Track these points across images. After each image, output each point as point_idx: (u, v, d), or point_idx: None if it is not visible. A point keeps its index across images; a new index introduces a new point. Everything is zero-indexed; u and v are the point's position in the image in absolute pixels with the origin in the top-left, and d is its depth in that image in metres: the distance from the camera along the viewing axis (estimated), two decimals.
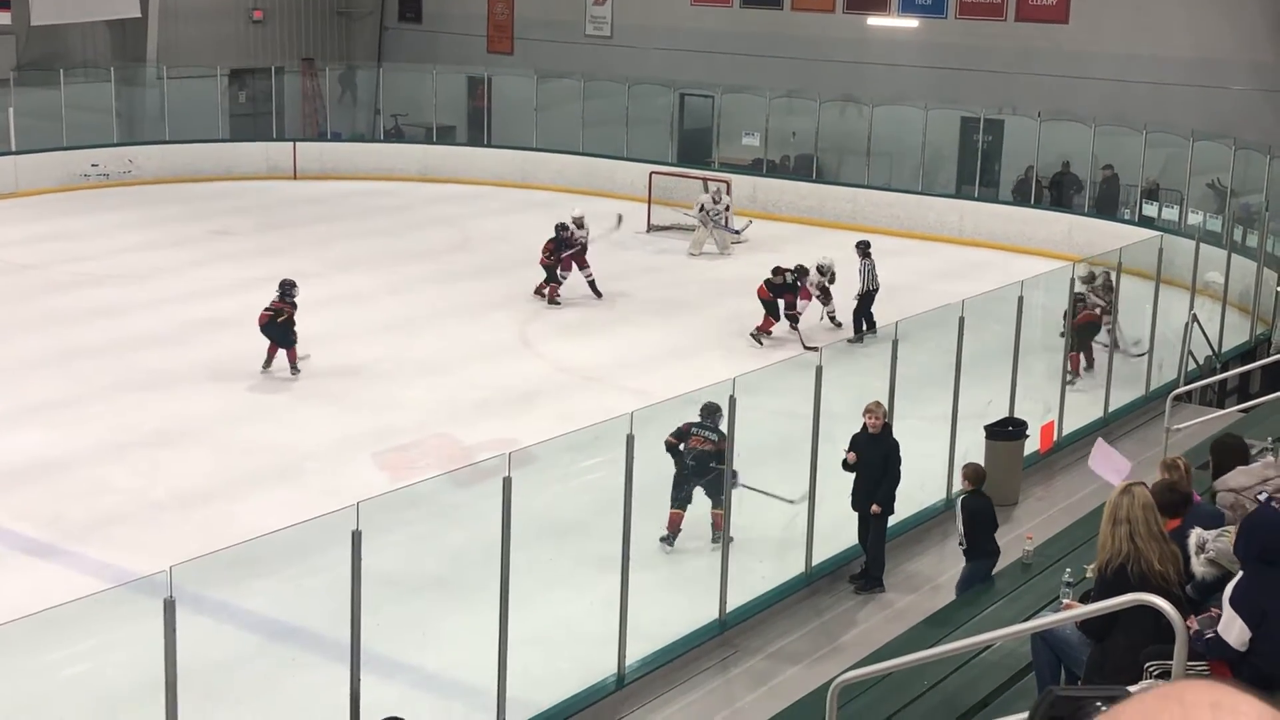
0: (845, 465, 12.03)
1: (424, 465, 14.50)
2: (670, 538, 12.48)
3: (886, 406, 12.23)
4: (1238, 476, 8.39)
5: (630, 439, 10.18)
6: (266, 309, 17.92)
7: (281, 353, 17.81)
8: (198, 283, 22.23)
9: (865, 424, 12.03)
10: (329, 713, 8.97)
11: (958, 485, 13.66)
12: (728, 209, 26.03)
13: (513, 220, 27.97)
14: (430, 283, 22.90)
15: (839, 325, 20.20)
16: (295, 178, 31.77)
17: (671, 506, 12.49)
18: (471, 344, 19.50)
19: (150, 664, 7.89)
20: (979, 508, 11.22)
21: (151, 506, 13.75)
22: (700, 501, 12.49)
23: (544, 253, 21.99)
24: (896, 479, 12.02)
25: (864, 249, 20.47)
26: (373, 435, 15.76)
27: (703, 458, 12.34)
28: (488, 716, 9.53)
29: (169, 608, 7.57)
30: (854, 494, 12.07)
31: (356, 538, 8.45)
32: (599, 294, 21.97)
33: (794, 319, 19.29)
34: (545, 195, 30.45)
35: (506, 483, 9.27)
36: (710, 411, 12.32)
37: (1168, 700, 1.74)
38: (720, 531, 11.89)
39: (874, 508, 11.90)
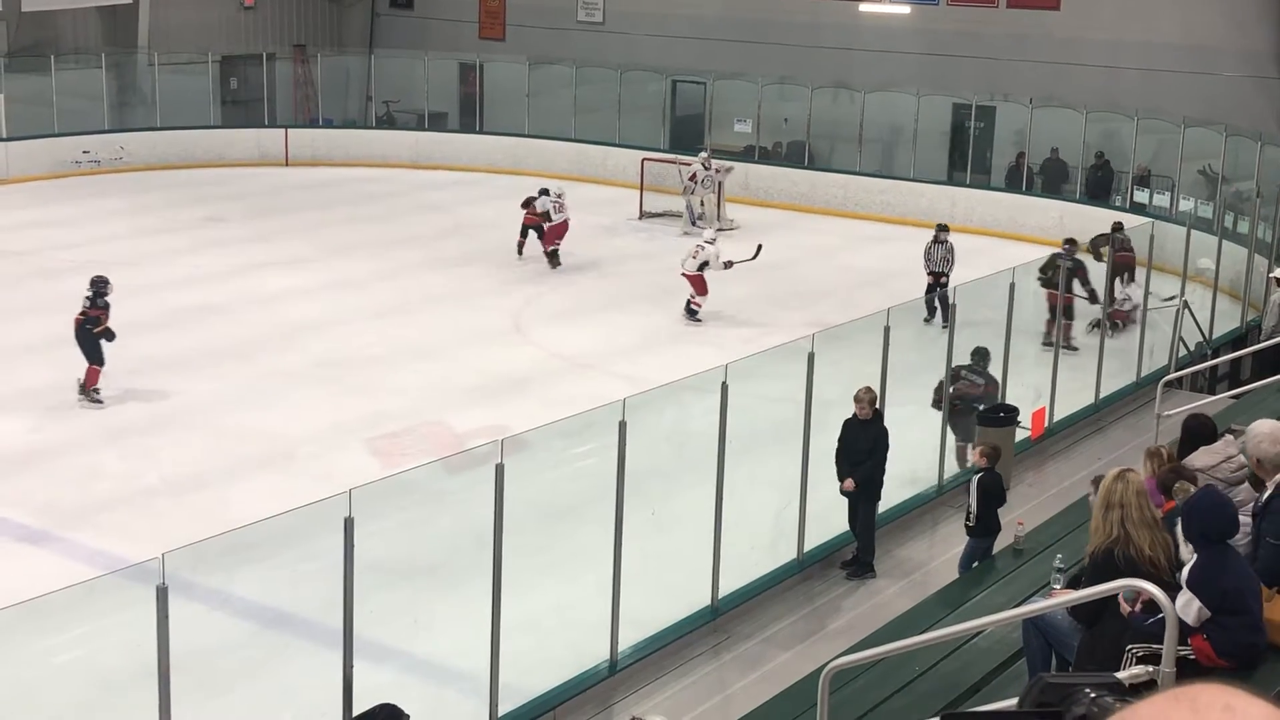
0: (842, 492, 12.04)
1: (416, 452, 14.50)
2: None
3: (877, 392, 12.24)
4: (1202, 456, 8.46)
5: (623, 425, 10.18)
6: (79, 314, 16.03)
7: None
8: (189, 269, 22.20)
9: (855, 411, 12.04)
10: (321, 699, 8.97)
11: (950, 471, 13.73)
12: (717, 171, 26.10)
13: (505, 207, 27.91)
14: (422, 269, 22.88)
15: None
16: (287, 164, 31.71)
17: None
18: (464, 330, 19.49)
19: (142, 650, 7.90)
20: (992, 484, 11.46)
21: (143, 493, 13.74)
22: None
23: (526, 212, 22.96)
24: (880, 464, 12.04)
25: (939, 233, 20.41)
26: (365, 421, 15.76)
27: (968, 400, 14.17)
28: (480, 702, 9.54)
29: (161, 595, 7.57)
30: (840, 477, 12.08)
31: (349, 524, 8.45)
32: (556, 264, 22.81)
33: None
34: (537, 181, 30.39)
35: (499, 469, 9.27)
36: (981, 356, 14.48)
37: (1180, 702, 1.73)
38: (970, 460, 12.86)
39: (848, 482, 11.91)
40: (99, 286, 16.39)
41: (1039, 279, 18.06)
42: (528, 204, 23.40)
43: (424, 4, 35.59)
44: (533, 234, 23.27)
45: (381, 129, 33.65)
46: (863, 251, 25.06)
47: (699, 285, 20.29)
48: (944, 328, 15.29)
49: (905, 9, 29.33)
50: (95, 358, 16.01)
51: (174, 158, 30.73)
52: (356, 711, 8.72)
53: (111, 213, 26.19)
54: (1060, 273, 17.43)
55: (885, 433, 12.06)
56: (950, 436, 14.03)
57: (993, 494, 11.48)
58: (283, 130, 32.23)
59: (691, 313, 20.29)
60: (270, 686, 10.27)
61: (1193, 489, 7.64)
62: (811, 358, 11.99)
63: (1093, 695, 2.67)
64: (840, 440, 12.11)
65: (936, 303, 18.92)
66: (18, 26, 30.38)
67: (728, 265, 20.40)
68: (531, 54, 32.52)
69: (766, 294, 22.18)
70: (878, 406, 12.08)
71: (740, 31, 30.83)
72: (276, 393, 16.75)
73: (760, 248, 20.22)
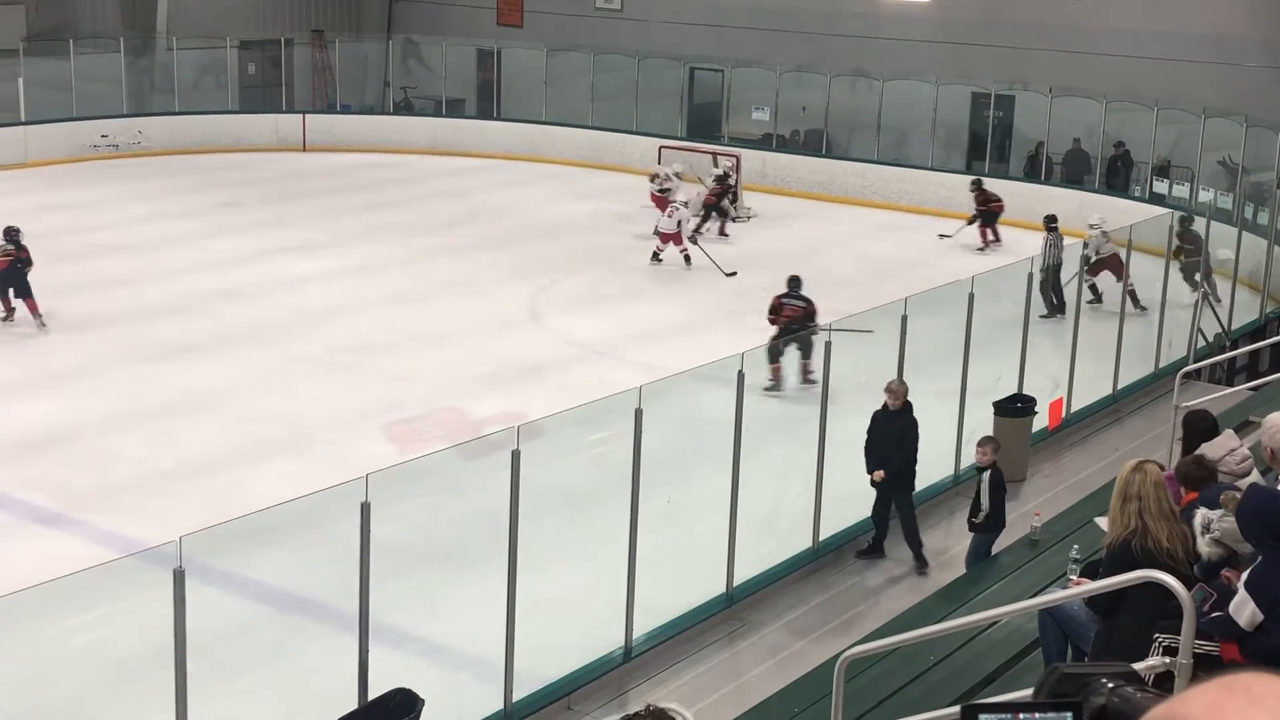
0: (873, 484, 12.04)
1: (432, 438, 14.53)
2: (774, 385, 15.85)
3: (891, 381, 12.23)
4: (1206, 451, 8.45)
5: (639, 413, 10.19)
6: (3, 256, 18.04)
7: (22, 304, 18.03)
8: (207, 254, 22.24)
9: (885, 401, 12.03)
10: (337, 683, 9.00)
11: (967, 461, 13.70)
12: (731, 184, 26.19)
13: (522, 193, 27.96)
14: (439, 255, 22.90)
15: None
16: (304, 150, 31.75)
17: (771, 362, 15.78)
18: (480, 317, 19.50)
19: (159, 633, 7.93)
20: (1000, 480, 11.51)
21: (160, 476, 13.78)
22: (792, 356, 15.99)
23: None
24: (910, 455, 12.04)
25: (1049, 223, 20.29)
26: (381, 407, 15.78)
27: (796, 323, 15.98)
28: (495, 688, 9.56)
29: (178, 578, 7.60)
30: (869, 469, 12.07)
31: (365, 509, 8.48)
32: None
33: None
34: (554, 169, 30.45)
35: (515, 456, 9.28)
36: (794, 283, 16.51)
37: (1233, 691, 1.69)
38: (810, 375, 15.36)
39: (878, 473, 11.90)
40: (13, 234, 18.37)
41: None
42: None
43: None
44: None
45: (399, 115, 33.65)
46: (880, 240, 25.00)
47: (676, 239, 22.15)
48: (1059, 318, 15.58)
49: None
50: (24, 291, 18.05)
51: (192, 142, 30.78)
52: (372, 696, 8.76)
53: (130, 197, 26.26)
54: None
55: (915, 423, 12.06)
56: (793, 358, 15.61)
57: (1001, 488, 11.52)
58: (301, 116, 32.27)
59: (655, 256, 22.27)
60: (286, 670, 10.30)
61: (1237, 496, 7.57)
62: (828, 346, 11.98)
63: (1110, 685, 2.67)
64: (869, 432, 12.11)
65: (1052, 296, 18.94)
66: (37, 10, 30.45)
67: (692, 239, 22.35)
68: (549, 41, 32.49)
69: (783, 283, 22.13)
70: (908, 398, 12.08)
71: (759, 19, 30.75)
72: (293, 377, 16.78)
73: (735, 274, 19.47)
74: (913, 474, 12.17)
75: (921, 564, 12.04)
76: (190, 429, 15.04)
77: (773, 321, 16.58)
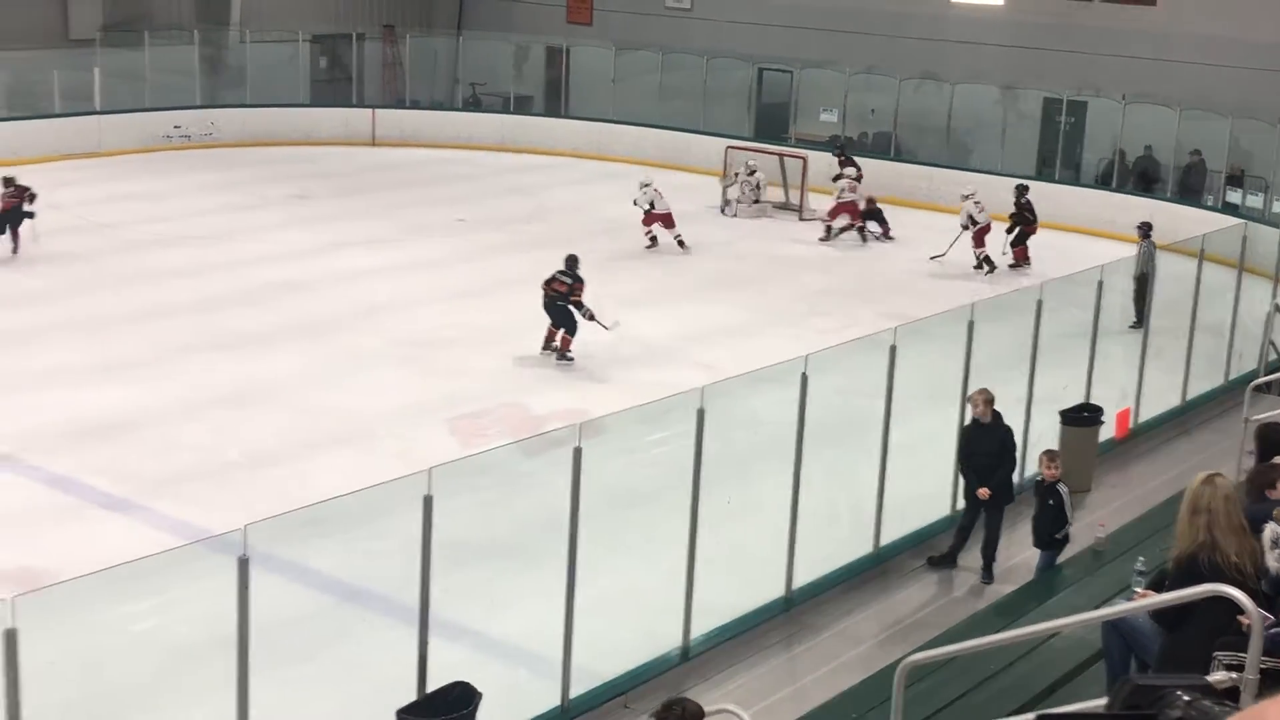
0: (977, 499, 11.90)
1: (494, 433, 14.57)
2: (547, 347, 17.34)
3: (973, 392, 12.08)
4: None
5: (700, 413, 10.15)
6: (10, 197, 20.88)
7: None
8: (275, 245, 22.43)
9: (973, 415, 11.90)
10: (395, 674, 9.04)
11: (1031, 469, 13.55)
12: (758, 186, 26.59)
13: (588, 191, 27.98)
14: (503, 252, 22.96)
15: None
16: (373, 144, 31.96)
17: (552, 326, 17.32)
18: (543, 314, 19.49)
19: (219, 620, 7.98)
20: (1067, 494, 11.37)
21: (224, 465, 13.91)
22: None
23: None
24: (1012, 466, 11.93)
25: (1144, 230, 19.99)
26: (443, 401, 15.85)
27: (554, 297, 17.26)
28: (551, 683, 9.56)
29: (243, 566, 7.65)
30: (968, 484, 11.93)
31: (428, 502, 8.50)
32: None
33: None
34: (621, 167, 30.43)
35: (577, 453, 9.28)
36: (571, 262, 17.59)
37: None
38: (566, 351, 17.31)
39: (983, 490, 11.76)
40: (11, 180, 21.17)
41: None
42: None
43: None
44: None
45: (468, 111, 33.79)
46: (946, 245, 24.77)
47: (648, 220, 23.24)
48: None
49: (998, 0, 29.00)
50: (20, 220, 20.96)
51: (263, 135, 31.06)
52: (430, 688, 8.78)
53: (200, 188, 26.54)
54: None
55: (1010, 433, 11.94)
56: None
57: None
58: (370, 110, 32.48)
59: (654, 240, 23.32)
60: (345, 660, 10.35)
61: None
62: (893, 350, 11.89)
63: (1187, 699, 2.61)
64: (963, 446, 11.99)
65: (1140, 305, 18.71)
66: (113, 2, 30.85)
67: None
68: (618, 39, 32.50)
69: (847, 286, 22.05)
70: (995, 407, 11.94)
71: (829, 20, 30.62)
72: (356, 370, 16.88)
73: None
74: (1010, 487, 12.01)
75: (988, 576, 11.91)
76: (254, 419, 15.17)
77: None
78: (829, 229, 24.71)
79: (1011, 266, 22.95)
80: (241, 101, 31.60)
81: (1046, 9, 28.38)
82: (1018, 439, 12.62)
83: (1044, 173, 28.13)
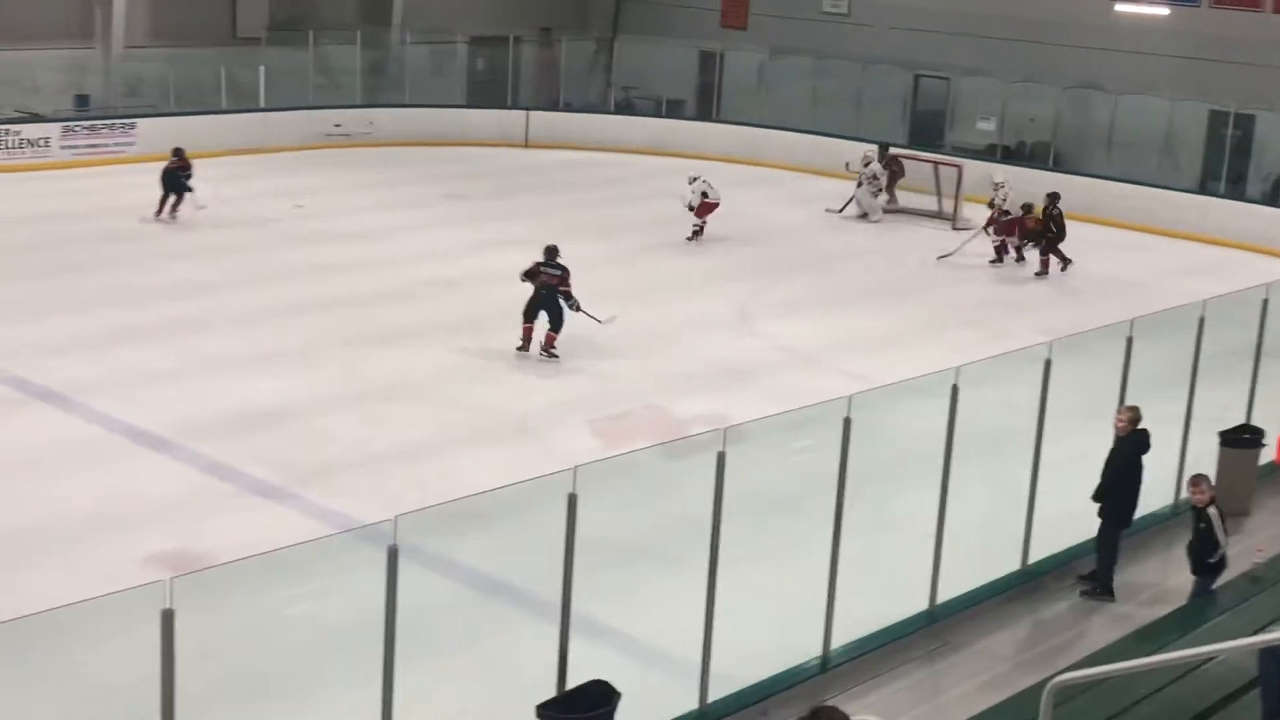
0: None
1: (637, 434, 14.61)
2: (523, 346, 17.21)
3: (1124, 408, 11.82)
4: None
5: (847, 422, 10.06)
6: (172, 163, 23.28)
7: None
8: (430, 243, 22.81)
9: (1117, 428, 11.66)
10: (535, 670, 9.11)
11: (1185, 493, 13.18)
12: (875, 177, 26.35)
13: (738, 196, 27.92)
14: (651, 254, 23.06)
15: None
16: (526, 145, 32.31)
17: (524, 322, 17.19)
18: (690, 317, 19.55)
19: (367, 609, 8.12)
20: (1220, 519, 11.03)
21: (373, 457, 14.17)
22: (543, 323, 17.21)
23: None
24: (1127, 485, 11.66)
25: None
26: (587, 401, 15.96)
27: (549, 289, 17.03)
28: (690, 687, 9.55)
29: (392, 556, 7.77)
30: (1119, 503, 11.71)
31: (572, 501, 8.56)
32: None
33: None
34: (772, 172, 30.37)
35: (720, 458, 9.26)
36: (551, 253, 17.26)
37: None
38: (552, 348, 17.15)
39: (1099, 504, 11.54)
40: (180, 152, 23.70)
41: None
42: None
43: None
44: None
45: (620, 114, 33.97)
46: (1105, 259, 24.25)
47: (701, 211, 23.74)
48: None
49: (1163, 10, 28.31)
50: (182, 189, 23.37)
51: (420, 134, 31.60)
52: (569, 686, 8.83)
53: (359, 185, 27.11)
54: None
55: (1137, 449, 11.66)
56: None
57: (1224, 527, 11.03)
58: (524, 112, 32.84)
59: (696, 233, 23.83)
60: (486, 653, 10.47)
61: None
62: (1048, 365, 11.66)
63: None
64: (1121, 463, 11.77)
65: None
66: (279, 1, 31.66)
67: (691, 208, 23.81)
68: (773, 44, 32.40)
69: (999, 298, 21.70)
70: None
71: (987, 27, 30.18)
72: (504, 368, 17.07)
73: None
74: (1119, 505, 11.73)
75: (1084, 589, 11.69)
76: (403, 412, 15.44)
77: (527, 278, 17.28)
78: (1010, 247, 23.65)
79: (1038, 275, 22.94)
80: (400, 101, 32.20)
81: (1214, 19, 27.62)
82: (1174, 458, 12.30)
83: (1208, 186, 27.39)
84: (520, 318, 17.28)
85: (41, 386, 15.48)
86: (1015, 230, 23.22)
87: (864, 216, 26.42)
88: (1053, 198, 23.42)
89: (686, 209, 23.85)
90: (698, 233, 23.85)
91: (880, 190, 26.62)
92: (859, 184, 26.55)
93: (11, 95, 28.09)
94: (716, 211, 23.94)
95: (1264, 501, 13.68)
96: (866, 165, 26.42)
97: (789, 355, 18.27)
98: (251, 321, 18.33)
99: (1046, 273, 22.88)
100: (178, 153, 23.49)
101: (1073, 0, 29.31)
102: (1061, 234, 22.99)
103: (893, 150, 27.39)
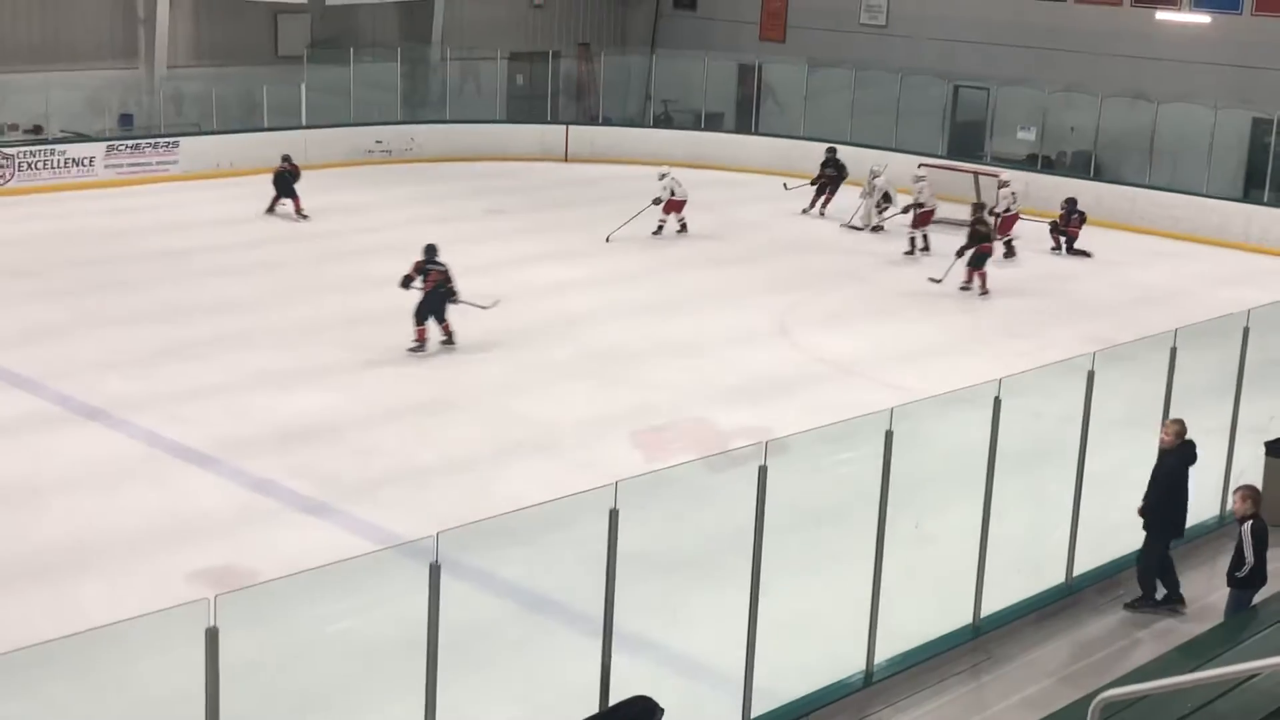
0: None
1: (678, 447, 14.62)
2: (419, 347, 17.69)
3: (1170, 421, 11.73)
4: None
5: (889, 435, 10.03)
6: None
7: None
8: (472, 258, 22.80)
9: (1162, 441, 11.58)
10: (578, 685, 9.12)
11: (1230, 504, 13.06)
12: (886, 193, 26.33)
13: (775, 208, 27.92)
14: (693, 267, 23.07)
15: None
16: (566, 160, 32.41)
17: (417, 324, 17.70)
18: (730, 329, 19.55)
19: (410, 624, 8.15)
20: (1263, 531, 10.88)
21: (417, 471, 14.23)
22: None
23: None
24: (1174, 496, 11.57)
25: None
26: (629, 414, 15.97)
27: (441, 285, 17.63)
28: (733, 701, 9.54)
29: (434, 572, 7.80)
30: (1165, 518, 11.63)
31: (614, 515, 8.56)
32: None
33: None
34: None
35: (762, 471, 9.25)
36: (432, 250, 17.85)
37: None
38: (451, 335, 17.89)
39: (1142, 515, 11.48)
40: (287, 156, 25.79)
41: None
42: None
43: (707, 5, 35.87)
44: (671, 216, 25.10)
45: (659, 128, 34.02)
46: (1148, 268, 24.12)
47: (668, 208, 24.79)
48: None
49: (1205, 18, 28.10)
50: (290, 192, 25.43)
51: (460, 150, 31.76)
52: (612, 701, 8.83)
53: (400, 201, 27.27)
54: None
55: (1183, 460, 11.57)
56: None
57: (1264, 540, 10.83)
58: (564, 127, 32.94)
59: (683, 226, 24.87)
60: (529, 668, 10.48)
61: None
62: (1091, 376, 11.59)
63: None
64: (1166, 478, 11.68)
65: None
66: (320, 19, 31.91)
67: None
68: (811, 56, 32.39)
69: (1043, 307, 21.58)
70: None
71: (1027, 37, 30.06)
72: (547, 381, 17.12)
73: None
74: (1163, 516, 11.64)
75: (1168, 603, 11.58)
76: (447, 425, 15.50)
77: (406, 284, 17.77)
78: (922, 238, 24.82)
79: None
80: (441, 118, 32.36)
81: (1257, 27, 27.42)
82: (1220, 469, 12.20)
83: (1251, 195, 27.16)
84: (412, 320, 17.80)
85: (87, 404, 15.64)
86: (1010, 227, 24.06)
87: (876, 229, 26.24)
88: (1070, 203, 24.69)
89: (653, 204, 24.70)
90: (662, 228, 24.79)
91: (881, 202, 26.44)
92: (867, 194, 26.52)
93: (57, 116, 28.43)
94: (685, 209, 25.03)
95: None
96: (875, 178, 26.32)
97: (830, 367, 18.24)
98: (296, 335, 18.46)
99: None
100: (286, 158, 25.43)
101: (1114, 9, 29.16)
102: (991, 237, 23.09)
103: (874, 167, 27.07)
